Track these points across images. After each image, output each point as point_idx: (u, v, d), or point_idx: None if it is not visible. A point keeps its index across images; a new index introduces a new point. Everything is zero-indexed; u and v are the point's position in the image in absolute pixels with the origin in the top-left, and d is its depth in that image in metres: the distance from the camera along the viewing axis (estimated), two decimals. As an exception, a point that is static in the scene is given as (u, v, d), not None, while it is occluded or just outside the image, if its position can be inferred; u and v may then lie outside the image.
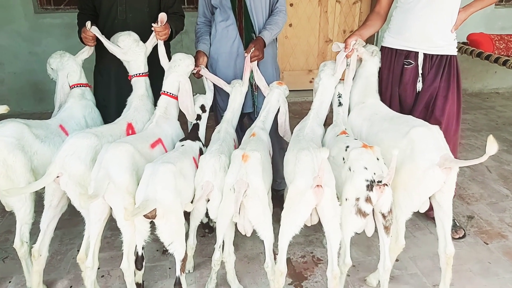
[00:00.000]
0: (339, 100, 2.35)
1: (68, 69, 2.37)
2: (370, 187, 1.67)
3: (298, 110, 4.94)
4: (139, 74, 2.35)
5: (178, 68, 2.25)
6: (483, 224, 2.70)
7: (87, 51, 2.41)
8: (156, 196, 1.65)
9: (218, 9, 2.52)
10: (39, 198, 2.00)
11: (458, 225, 2.59)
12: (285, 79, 5.36)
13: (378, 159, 1.77)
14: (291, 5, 5.01)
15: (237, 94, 2.40)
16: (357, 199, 1.70)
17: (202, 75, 2.44)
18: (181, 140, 2.13)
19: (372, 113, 2.23)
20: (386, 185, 1.66)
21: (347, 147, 1.85)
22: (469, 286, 2.17)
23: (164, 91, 2.25)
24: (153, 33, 2.34)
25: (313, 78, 5.82)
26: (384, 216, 1.74)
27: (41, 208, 1.97)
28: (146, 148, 1.97)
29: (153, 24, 2.26)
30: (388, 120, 2.10)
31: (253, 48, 2.38)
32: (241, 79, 2.46)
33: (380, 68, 2.53)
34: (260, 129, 2.22)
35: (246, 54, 2.39)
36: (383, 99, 2.38)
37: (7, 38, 4.45)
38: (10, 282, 2.19)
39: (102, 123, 2.45)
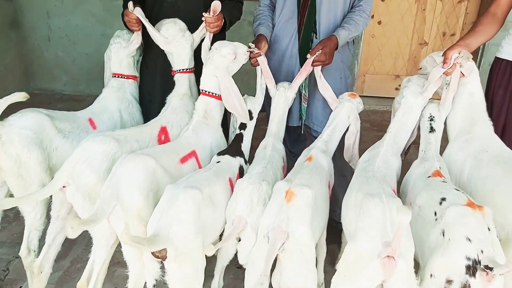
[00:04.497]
0: (430, 124, 1.78)
1: (110, 54, 2.10)
2: (472, 270, 1.11)
3: (378, 121, 4.31)
4: (182, 70, 1.99)
5: (212, 60, 1.81)
6: None
7: (136, 39, 2.09)
8: (169, 232, 1.26)
9: None
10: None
11: None
12: (367, 83, 4.75)
13: (489, 229, 1.20)
14: (383, -1, 4.37)
15: (280, 99, 1.94)
16: (449, 282, 1.16)
17: (259, 65, 1.98)
18: (218, 154, 1.72)
19: (481, 149, 1.63)
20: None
21: (443, 199, 1.30)
22: None
23: (202, 90, 1.85)
24: (203, 24, 1.95)
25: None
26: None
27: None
28: (174, 163, 1.59)
29: (204, 14, 1.87)
30: (503, 164, 1.50)
31: (320, 50, 1.89)
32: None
33: (491, 86, 1.92)
34: (321, 152, 1.73)
35: (309, 56, 1.91)
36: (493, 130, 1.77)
37: (82, 18, 4.40)
38: (21, 287, 1.98)
39: (141, 120, 2.15)
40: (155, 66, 2.21)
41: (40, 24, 4.43)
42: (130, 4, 1.92)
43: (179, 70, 1.99)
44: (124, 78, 2.12)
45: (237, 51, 1.83)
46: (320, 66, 1.96)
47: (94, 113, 1.94)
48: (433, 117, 1.79)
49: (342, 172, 2.19)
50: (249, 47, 1.93)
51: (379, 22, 4.48)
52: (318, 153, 1.72)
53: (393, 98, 1.99)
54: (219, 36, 2.04)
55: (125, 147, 1.59)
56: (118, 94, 2.06)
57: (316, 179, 1.52)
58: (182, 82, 1.98)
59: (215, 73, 1.82)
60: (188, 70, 2.00)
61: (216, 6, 1.86)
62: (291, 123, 2.19)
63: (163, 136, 1.80)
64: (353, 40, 2.23)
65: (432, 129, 1.77)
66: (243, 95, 2.01)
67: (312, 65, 1.94)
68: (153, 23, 2.03)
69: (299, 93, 2.12)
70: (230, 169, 1.64)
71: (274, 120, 1.95)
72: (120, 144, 1.57)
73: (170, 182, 1.48)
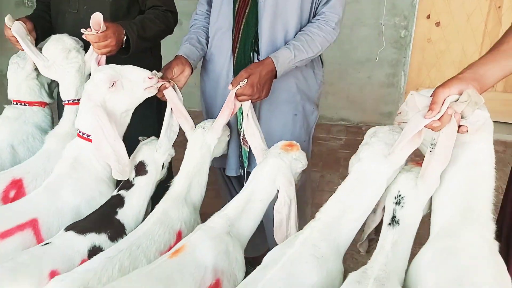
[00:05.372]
0: (393, 211, 1.06)
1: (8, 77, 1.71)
2: None
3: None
4: (69, 101, 1.51)
5: (85, 90, 1.32)
6: None
7: (30, 58, 1.67)
8: None
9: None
10: None
11: None
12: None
13: None
14: (443, -5, 3.45)
15: (195, 145, 1.35)
16: None
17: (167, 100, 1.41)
18: (67, 228, 1.19)
19: (461, 274, 0.90)
20: None
21: None
22: None
23: (78, 131, 1.35)
24: None
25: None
26: None
27: None
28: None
29: (82, 30, 1.35)
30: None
31: (245, 80, 1.28)
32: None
33: None
34: (209, 238, 1.11)
35: (230, 87, 1.31)
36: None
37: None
38: None
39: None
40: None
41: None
42: (8, 18, 1.49)
43: (65, 101, 1.52)
44: (25, 105, 1.71)
45: (118, 78, 1.29)
46: (249, 101, 1.34)
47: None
48: (402, 198, 1.07)
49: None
50: (155, 74, 1.37)
51: (437, 24, 3.57)
52: (203, 242, 1.10)
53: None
54: (145, 60, 1.57)
55: None
56: (12, 126, 1.64)
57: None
58: (67, 116, 1.50)
59: (88, 109, 1.30)
60: (77, 101, 1.51)
61: (97, 18, 1.32)
62: (228, 172, 1.62)
63: (13, 193, 1.33)
64: (320, 60, 1.55)
65: (394, 220, 1.05)
66: (145, 138, 1.47)
67: (237, 99, 1.33)
68: None
69: (238, 133, 1.54)
70: (61, 258, 1.10)
71: (181, 175, 1.37)
72: None
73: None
